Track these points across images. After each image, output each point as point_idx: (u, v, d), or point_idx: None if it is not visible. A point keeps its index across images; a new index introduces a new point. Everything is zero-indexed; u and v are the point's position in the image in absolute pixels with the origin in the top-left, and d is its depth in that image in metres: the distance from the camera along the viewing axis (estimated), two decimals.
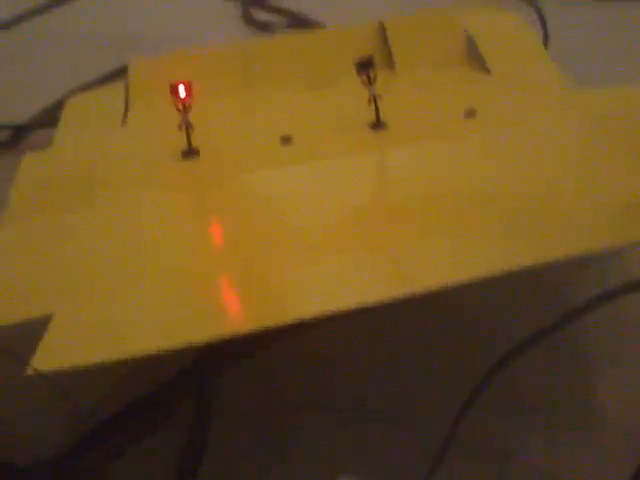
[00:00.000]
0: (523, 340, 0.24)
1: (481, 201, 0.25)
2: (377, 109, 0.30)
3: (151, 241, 0.25)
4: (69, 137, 0.34)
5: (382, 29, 0.38)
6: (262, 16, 0.53)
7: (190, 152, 0.30)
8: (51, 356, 0.20)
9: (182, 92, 0.30)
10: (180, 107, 0.30)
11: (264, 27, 0.52)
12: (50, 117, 0.43)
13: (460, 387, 0.24)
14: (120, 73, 0.46)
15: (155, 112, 0.34)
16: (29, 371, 0.19)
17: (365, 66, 0.30)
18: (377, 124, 0.30)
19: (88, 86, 0.46)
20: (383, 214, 0.25)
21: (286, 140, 0.30)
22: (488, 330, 0.28)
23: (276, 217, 0.26)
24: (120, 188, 0.29)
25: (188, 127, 0.30)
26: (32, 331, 0.21)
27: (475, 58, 0.36)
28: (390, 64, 0.37)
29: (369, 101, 0.30)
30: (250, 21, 0.53)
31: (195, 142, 0.30)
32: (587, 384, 0.26)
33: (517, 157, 0.27)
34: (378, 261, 0.22)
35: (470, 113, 0.30)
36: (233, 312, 0.22)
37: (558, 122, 0.29)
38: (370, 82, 0.30)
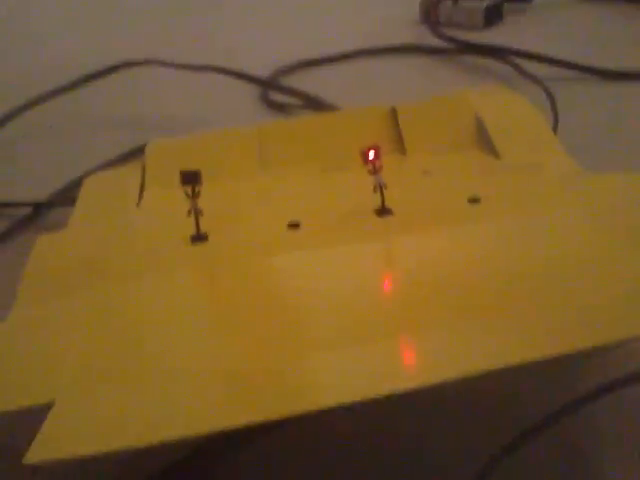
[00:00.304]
0: (524, 430, 0.24)
1: (482, 292, 0.25)
2: (382, 197, 0.30)
3: (157, 329, 0.25)
4: (84, 218, 0.35)
5: (394, 113, 0.38)
6: (279, 97, 0.55)
7: (198, 237, 0.31)
8: (48, 447, 0.20)
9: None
10: (189, 194, 0.31)
11: (280, 108, 0.53)
12: (70, 194, 0.44)
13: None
14: (139, 152, 0.47)
15: (169, 194, 0.35)
16: (26, 461, 0.19)
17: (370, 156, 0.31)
18: (383, 211, 0.31)
19: (107, 165, 0.47)
20: (387, 303, 0.25)
21: (294, 226, 0.31)
22: (487, 421, 0.27)
23: (279, 305, 0.26)
24: (127, 274, 0.29)
25: (197, 213, 0.31)
26: (32, 420, 0.21)
27: (485, 142, 0.37)
28: (401, 149, 0.37)
29: (374, 188, 0.30)
30: (267, 102, 0.54)
31: (205, 226, 0.31)
32: (590, 476, 0.25)
33: (519, 246, 0.27)
34: (379, 353, 0.22)
35: (475, 200, 0.31)
36: (242, 402, 0.21)
37: (563, 212, 0.29)
38: (375, 171, 0.30)
